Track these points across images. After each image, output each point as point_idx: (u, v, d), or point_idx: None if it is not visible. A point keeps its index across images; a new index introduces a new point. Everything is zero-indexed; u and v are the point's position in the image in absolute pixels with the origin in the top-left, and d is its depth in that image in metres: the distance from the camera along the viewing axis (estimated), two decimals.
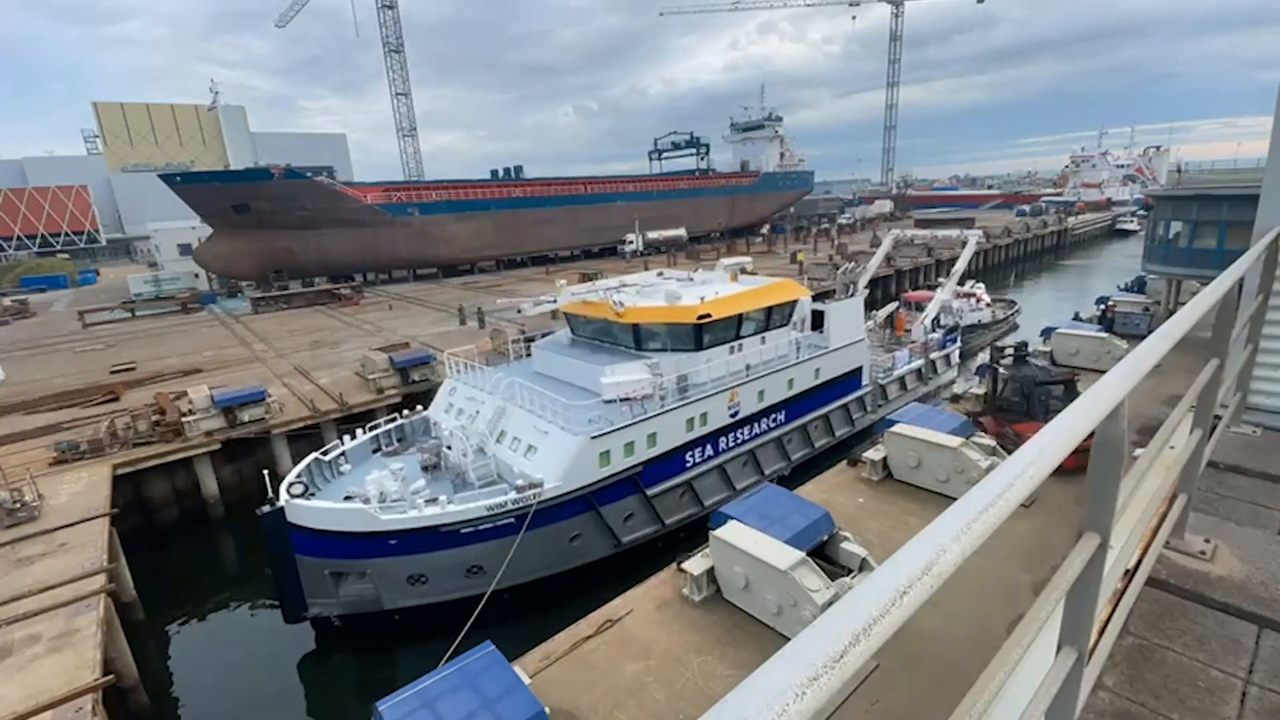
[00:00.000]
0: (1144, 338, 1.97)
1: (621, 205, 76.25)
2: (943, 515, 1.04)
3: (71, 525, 15.23)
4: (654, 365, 17.41)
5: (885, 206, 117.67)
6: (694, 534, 17.35)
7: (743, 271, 23.55)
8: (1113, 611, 2.42)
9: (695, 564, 11.77)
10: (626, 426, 16.13)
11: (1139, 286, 33.77)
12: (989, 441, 15.67)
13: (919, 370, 26.90)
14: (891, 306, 31.72)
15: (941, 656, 9.22)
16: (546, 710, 8.31)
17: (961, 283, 34.80)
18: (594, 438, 15.44)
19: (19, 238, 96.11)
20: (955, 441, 14.68)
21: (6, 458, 19.26)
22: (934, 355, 27.58)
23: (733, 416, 18.93)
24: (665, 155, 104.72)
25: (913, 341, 27.83)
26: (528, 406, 16.67)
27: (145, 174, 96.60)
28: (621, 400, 16.59)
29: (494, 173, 79.34)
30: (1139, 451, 2.32)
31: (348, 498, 14.95)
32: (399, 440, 18.67)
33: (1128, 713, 2.22)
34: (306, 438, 22.81)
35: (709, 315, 18.27)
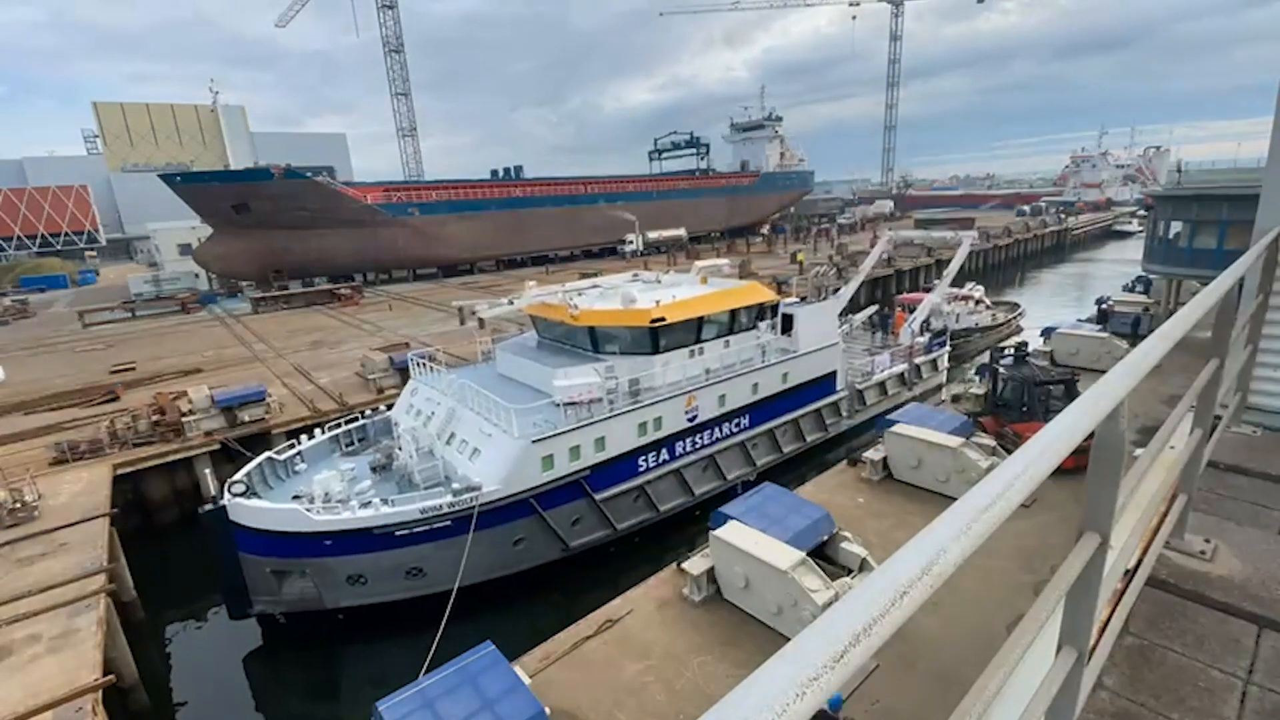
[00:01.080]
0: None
1: (621, 205, 76.23)
2: (943, 515, 1.04)
3: (71, 525, 15.23)
4: (607, 368, 17.21)
5: (885, 206, 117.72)
6: (653, 539, 17.87)
7: (718, 274, 23.03)
8: (1113, 611, 2.42)
9: (695, 564, 11.77)
10: (570, 430, 15.98)
11: (1145, 286, 33.85)
12: (989, 441, 15.69)
13: (902, 375, 26.28)
14: (871, 309, 31.19)
15: (941, 656, 9.22)
16: (546, 710, 8.31)
17: (960, 284, 34.48)
18: (535, 441, 15.30)
19: (19, 238, 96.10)
20: (955, 441, 14.69)
21: (6, 458, 19.28)
22: (919, 360, 26.91)
23: (690, 421, 18.62)
24: (665, 155, 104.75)
25: (897, 345, 27.31)
26: (476, 409, 16.59)
27: (145, 174, 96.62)
28: (571, 404, 16.32)
29: (494, 173, 79.35)
30: (1139, 451, 2.32)
31: (295, 497, 14.98)
32: (360, 440, 18.67)
33: (1128, 713, 2.22)
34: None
35: (663, 319, 18.01)
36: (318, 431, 18.39)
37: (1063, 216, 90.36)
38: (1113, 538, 1.72)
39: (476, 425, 16.29)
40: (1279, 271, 3.94)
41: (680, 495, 18.78)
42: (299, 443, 17.68)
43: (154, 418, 20.85)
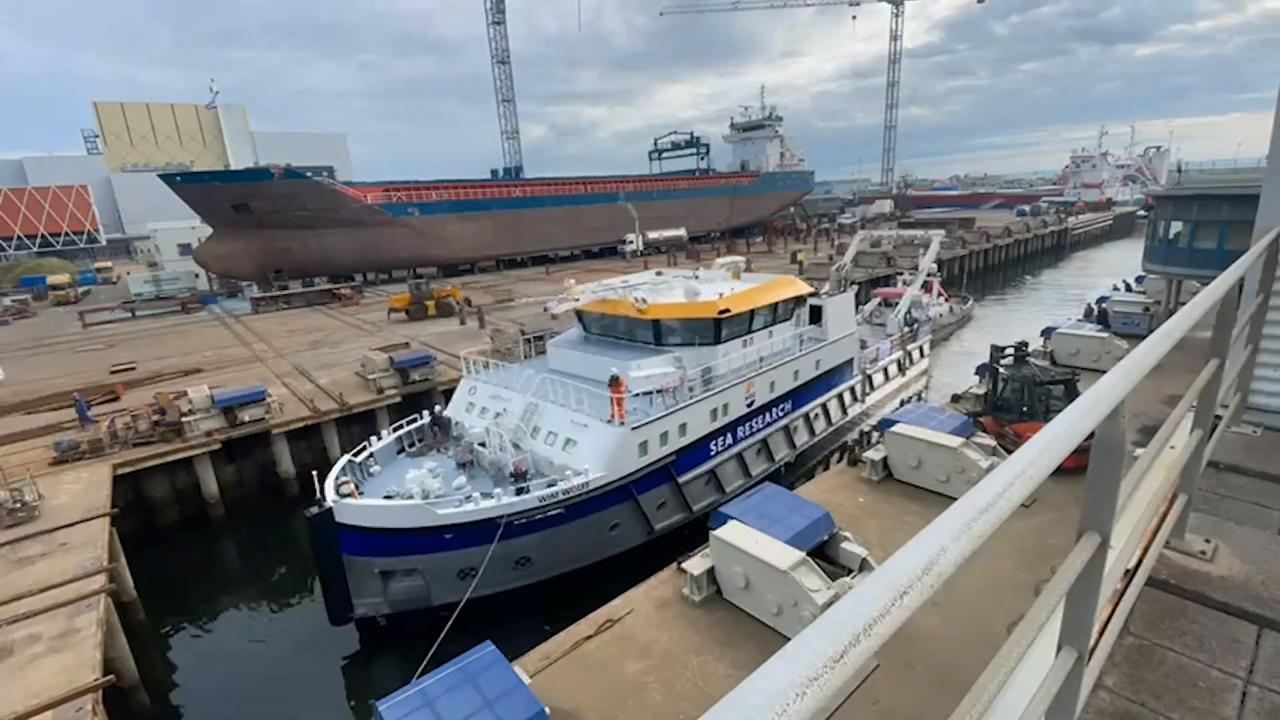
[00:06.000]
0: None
1: (621, 205, 76.25)
2: (943, 515, 1.04)
3: (71, 525, 15.23)
4: (678, 359, 17.98)
5: (885, 206, 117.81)
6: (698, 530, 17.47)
7: (736, 270, 24.34)
8: (1113, 611, 2.42)
9: (695, 564, 11.77)
10: (662, 417, 16.69)
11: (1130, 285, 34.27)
12: (989, 441, 15.68)
13: (899, 361, 28.73)
14: (874, 302, 34.32)
15: (941, 656, 9.22)
16: (546, 710, 8.31)
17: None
18: (634, 429, 15.89)
19: (19, 238, 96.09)
20: (955, 441, 14.68)
21: (6, 458, 19.28)
22: (910, 347, 29.82)
23: (749, 406, 19.63)
24: (665, 155, 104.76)
25: (889, 335, 29.65)
26: (560, 401, 16.95)
27: (145, 174, 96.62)
28: (650, 394, 17.10)
29: (494, 173, 79.38)
30: (1139, 451, 2.32)
31: (388, 497, 14.83)
32: (419, 440, 18.54)
33: (1128, 713, 2.22)
34: (306, 437, 22.86)
35: (728, 310, 18.98)
36: (374, 439, 17.80)
37: (1063, 217, 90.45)
38: (1113, 538, 1.72)
39: (566, 417, 16.60)
40: (1279, 271, 3.94)
41: (740, 477, 19.62)
42: (369, 444, 17.47)
43: (154, 418, 20.86)
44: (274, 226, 55.04)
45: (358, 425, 24.10)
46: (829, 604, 9.65)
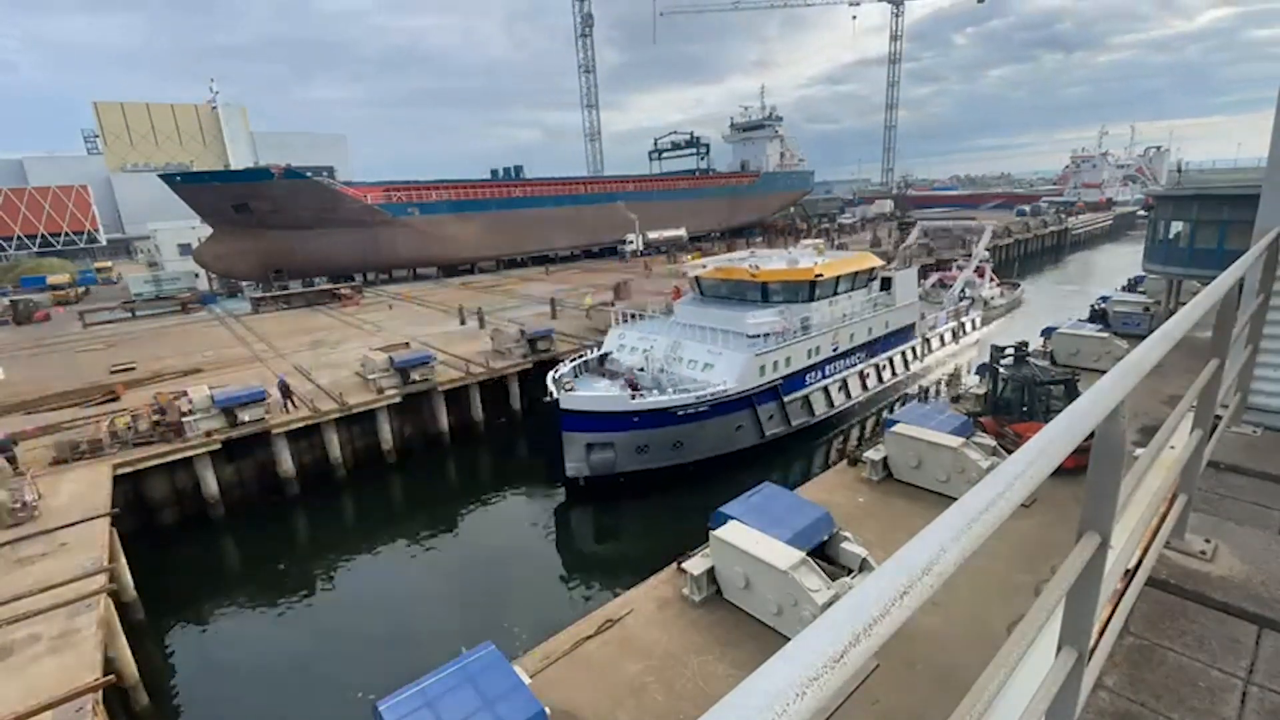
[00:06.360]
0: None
1: (621, 204, 76.23)
2: (943, 515, 1.04)
3: (72, 525, 15.23)
4: (781, 311, 24.36)
5: (886, 206, 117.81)
6: (804, 438, 24.94)
7: (817, 250, 30.36)
8: (1113, 611, 2.41)
9: (695, 564, 11.77)
10: (775, 350, 23.02)
11: (1133, 285, 34.17)
12: (989, 441, 15.68)
13: (953, 330, 34.74)
14: (931, 279, 41.25)
15: (941, 656, 9.22)
16: (546, 710, 8.31)
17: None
18: (757, 354, 22.37)
19: (19, 238, 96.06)
20: (955, 441, 14.68)
21: (7, 457, 19.25)
22: (963, 319, 36.06)
23: (834, 351, 25.90)
24: (665, 155, 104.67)
25: (945, 309, 35.53)
26: (697, 340, 23.61)
27: (145, 174, 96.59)
28: (763, 335, 23.26)
29: (494, 173, 79.30)
30: (1139, 451, 2.32)
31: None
32: (586, 369, 24.64)
33: (1128, 713, 2.22)
34: (306, 437, 22.87)
35: (821, 275, 25.69)
36: (561, 366, 23.77)
37: (1062, 217, 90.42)
38: (1113, 538, 1.72)
39: (703, 348, 23.10)
40: (1279, 271, 3.94)
41: (825, 406, 25.64)
42: (559, 369, 23.41)
43: (154, 418, 20.85)
44: (274, 226, 55.02)
45: (357, 425, 24.12)
46: (829, 604, 9.64)
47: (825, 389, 25.55)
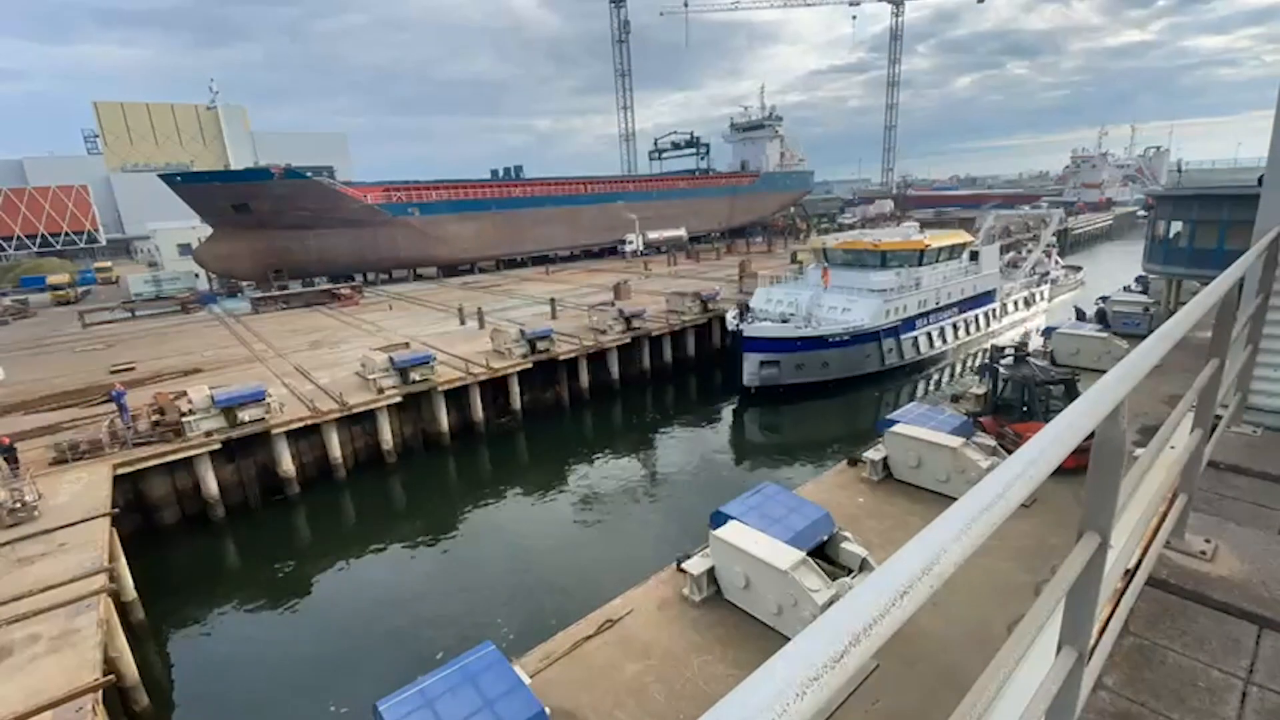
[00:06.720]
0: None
1: (622, 205, 76.21)
2: (943, 515, 1.04)
3: (71, 525, 15.22)
4: (897, 273, 32.08)
5: (886, 206, 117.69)
6: (909, 371, 32.97)
7: (918, 230, 38.80)
8: (1113, 611, 2.41)
9: (695, 564, 11.76)
10: (896, 298, 31.07)
11: (1143, 286, 33.99)
12: (989, 441, 15.68)
13: (1026, 298, 42.00)
14: (1008, 255, 47.56)
15: (941, 656, 9.22)
16: (546, 710, 8.30)
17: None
18: (885, 300, 30.51)
19: (19, 237, 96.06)
20: (955, 441, 14.67)
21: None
22: (1034, 290, 43.27)
23: (936, 304, 33.45)
24: (665, 155, 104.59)
25: (1019, 281, 41.96)
26: (835, 292, 31.82)
27: (145, 174, 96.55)
28: (884, 290, 31.04)
29: (494, 173, 79.33)
30: (1139, 451, 2.32)
31: None
32: (743, 320, 30.59)
33: (1128, 713, 2.22)
34: (306, 436, 22.86)
35: (929, 245, 33.53)
36: (727, 315, 31.82)
37: (1062, 217, 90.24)
38: (1113, 538, 1.72)
39: (841, 298, 31.22)
40: (1279, 271, 3.94)
41: (927, 347, 33.18)
42: (728, 312, 31.86)
43: (154, 418, 20.84)
44: (274, 226, 54.97)
45: (357, 425, 24.12)
46: (829, 604, 9.64)
47: (929, 334, 33.11)
